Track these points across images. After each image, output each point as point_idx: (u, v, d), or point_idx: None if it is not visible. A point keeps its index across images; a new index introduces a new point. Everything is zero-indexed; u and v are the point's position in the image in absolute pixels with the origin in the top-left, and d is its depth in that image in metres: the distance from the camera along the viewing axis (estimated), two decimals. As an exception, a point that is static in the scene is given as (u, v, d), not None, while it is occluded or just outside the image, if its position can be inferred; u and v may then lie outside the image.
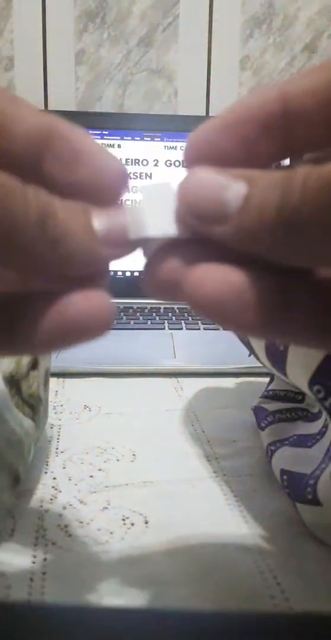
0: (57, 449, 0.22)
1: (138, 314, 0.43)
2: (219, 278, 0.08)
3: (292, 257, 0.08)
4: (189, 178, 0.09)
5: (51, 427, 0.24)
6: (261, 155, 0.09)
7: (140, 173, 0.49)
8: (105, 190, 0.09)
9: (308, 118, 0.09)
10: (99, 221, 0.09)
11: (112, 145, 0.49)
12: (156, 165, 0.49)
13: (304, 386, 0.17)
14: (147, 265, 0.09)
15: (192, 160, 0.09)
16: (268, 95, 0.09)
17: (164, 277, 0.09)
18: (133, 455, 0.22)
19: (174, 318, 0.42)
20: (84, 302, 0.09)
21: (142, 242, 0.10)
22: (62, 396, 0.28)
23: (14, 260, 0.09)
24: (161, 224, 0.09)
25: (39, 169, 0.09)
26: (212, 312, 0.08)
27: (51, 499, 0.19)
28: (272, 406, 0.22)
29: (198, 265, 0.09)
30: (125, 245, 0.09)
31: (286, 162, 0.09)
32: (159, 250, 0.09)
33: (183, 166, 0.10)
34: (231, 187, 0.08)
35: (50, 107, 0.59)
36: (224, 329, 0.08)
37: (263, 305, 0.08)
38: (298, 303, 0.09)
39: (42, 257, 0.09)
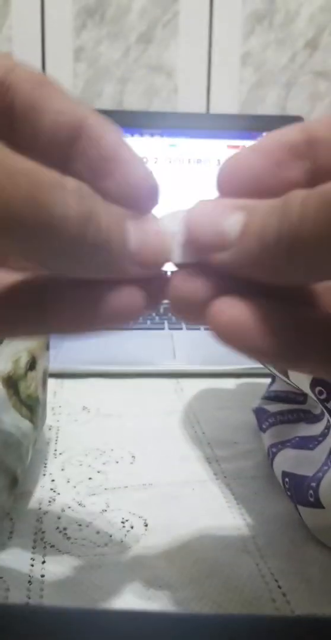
0: (55, 450, 0.22)
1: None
2: (233, 308, 0.09)
3: (296, 276, 0.08)
4: (192, 209, 0.09)
5: (50, 429, 0.24)
6: (290, 182, 0.09)
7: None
8: (133, 204, 0.09)
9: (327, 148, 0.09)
10: (136, 235, 0.09)
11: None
12: (156, 162, 0.48)
13: (306, 387, 0.16)
14: (170, 288, 0.10)
15: (224, 186, 0.10)
16: (294, 128, 0.10)
17: (185, 303, 0.09)
18: (132, 457, 0.22)
19: (174, 318, 0.42)
20: (122, 299, 0.09)
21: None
22: (60, 397, 0.28)
23: (46, 261, 0.08)
24: (180, 251, 0.09)
25: (66, 165, 0.09)
26: (230, 340, 0.09)
27: (50, 501, 0.18)
28: (273, 407, 0.22)
29: (217, 296, 0.09)
30: (155, 264, 0.09)
31: None
32: (180, 272, 0.09)
33: (217, 191, 0.10)
34: (231, 216, 0.09)
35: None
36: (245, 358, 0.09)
37: (280, 334, 0.09)
38: (312, 332, 0.09)
39: (77, 260, 0.08)
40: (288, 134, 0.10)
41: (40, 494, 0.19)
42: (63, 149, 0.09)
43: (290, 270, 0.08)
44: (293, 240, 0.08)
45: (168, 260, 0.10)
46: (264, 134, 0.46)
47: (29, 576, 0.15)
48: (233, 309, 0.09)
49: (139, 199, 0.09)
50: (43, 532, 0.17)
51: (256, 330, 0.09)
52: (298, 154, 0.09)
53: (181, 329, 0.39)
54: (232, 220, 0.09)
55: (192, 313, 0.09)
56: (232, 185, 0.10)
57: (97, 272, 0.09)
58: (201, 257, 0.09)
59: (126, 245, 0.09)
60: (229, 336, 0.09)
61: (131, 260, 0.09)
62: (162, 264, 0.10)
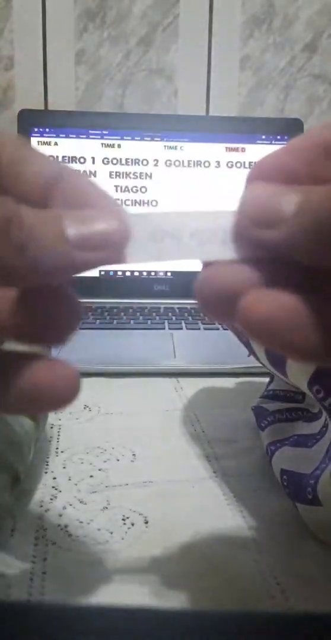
0: (57, 449, 0.22)
1: (138, 314, 0.43)
2: (272, 300, 0.09)
3: None
4: (249, 189, 0.10)
5: (51, 427, 0.24)
6: (326, 179, 0.10)
7: (140, 173, 0.49)
8: (103, 233, 0.10)
9: None
10: (73, 228, 0.09)
11: (112, 145, 0.49)
12: (156, 165, 0.49)
13: (304, 386, 0.17)
14: (200, 284, 0.10)
15: (257, 177, 0.10)
16: (329, 127, 0.10)
17: (216, 297, 0.09)
18: (133, 455, 0.22)
19: (174, 318, 0.42)
20: (48, 371, 0.10)
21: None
22: (62, 396, 0.28)
23: None
24: (216, 247, 0.10)
25: (45, 204, 0.10)
26: (266, 334, 0.09)
27: (51, 499, 0.19)
28: (272, 406, 0.22)
29: (250, 289, 0.09)
30: (101, 250, 0.09)
31: None
32: (211, 269, 0.09)
33: (246, 183, 0.10)
34: (288, 194, 0.09)
35: (50, 107, 0.59)
36: (277, 352, 0.09)
37: (315, 325, 0.09)
38: None
39: (7, 262, 0.09)
40: (323, 133, 0.10)
41: (42, 492, 0.19)
42: (42, 192, 0.10)
43: None
44: None
45: (116, 242, 0.10)
46: (263, 136, 0.46)
47: (31, 573, 0.15)
48: (272, 301, 0.09)
49: (108, 228, 0.10)
50: (44, 530, 0.17)
51: (298, 325, 0.08)
52: None
53: (181, 328, 0.39)
54: (289, 197, 0.09)
55: (223, 308, 0.09)
56: (264, 180, 0.10)
57: (33, 274, 0.09)
58: (249, 244, 0.09)
59: (62, 236, 0.09)
60: (266, 331, 0.08)
61: (74, 248, 0.09)
62: (111, 244, 0.09)
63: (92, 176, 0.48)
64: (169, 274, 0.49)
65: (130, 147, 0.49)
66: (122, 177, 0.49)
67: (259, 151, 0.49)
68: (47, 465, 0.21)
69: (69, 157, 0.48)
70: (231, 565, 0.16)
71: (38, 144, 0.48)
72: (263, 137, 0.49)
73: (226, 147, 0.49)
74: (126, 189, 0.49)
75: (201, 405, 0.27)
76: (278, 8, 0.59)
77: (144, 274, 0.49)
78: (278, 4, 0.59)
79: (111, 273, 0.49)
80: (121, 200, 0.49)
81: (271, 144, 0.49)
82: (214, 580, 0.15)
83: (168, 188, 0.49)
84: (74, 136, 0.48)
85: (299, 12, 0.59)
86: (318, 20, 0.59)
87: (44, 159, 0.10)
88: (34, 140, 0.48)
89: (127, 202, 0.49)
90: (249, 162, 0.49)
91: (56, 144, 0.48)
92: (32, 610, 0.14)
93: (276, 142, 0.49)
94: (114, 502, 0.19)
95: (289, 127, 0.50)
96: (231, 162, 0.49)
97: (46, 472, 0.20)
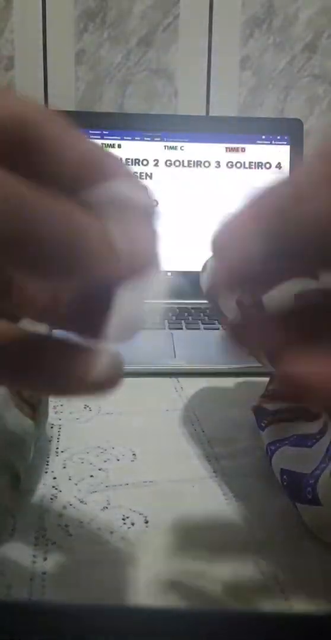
0: (57, 448, 0.22)
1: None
2: (320, 367, 0.09)
3: None
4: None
5: (51, 427, 0.24)
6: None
7: (140, 173, 0.49)
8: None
9: None
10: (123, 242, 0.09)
11: (112, 145, 0.49)
12: (156, 165, 0.49)
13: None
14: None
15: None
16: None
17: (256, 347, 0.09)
18: (133, 454, 0.22)
19: (174, 317, 0.42)
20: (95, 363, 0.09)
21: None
22: (62, 396, 0.28)
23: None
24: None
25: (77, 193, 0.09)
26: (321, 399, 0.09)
27: (51, 499, 0.19)
28: (272, 406, 0.22)
29: (296, 357, 0.09)
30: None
31: None
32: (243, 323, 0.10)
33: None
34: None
35: (50, 107, 0.59)
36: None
37: None
38: None
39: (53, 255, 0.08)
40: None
41: (42, 492, 0.19)
42: (79, 181, 0.09)
43: None
44: None
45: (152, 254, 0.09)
46: (263, 136, 0.46)
47: (31, 573, 0.15)
48: (314, 364, 0.09)
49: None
50: (45, 529, 0.17)
51: None
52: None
53: (181, 328, 0.39)
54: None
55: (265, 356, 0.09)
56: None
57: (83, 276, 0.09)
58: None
59: (109, 245, 0.09)
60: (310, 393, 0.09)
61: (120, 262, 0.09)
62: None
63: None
64: (169, 274, 0.49)
65: (130, 147, 0.49)
66: (123, 177, 0.48)
67: (259, 151, 0.49)
68: (47, 465, 0.21)
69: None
70: (231, 565, 0.16)
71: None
72: (263, 137, 0.49)
73: (226, 147, 0.49)
74: (126, 189, 0.48)
75: (201, 405, 0.27)
76: (278, 8, 0.59)
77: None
78: (278, 4, 0.59)
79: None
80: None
81: (271, 144, 0.49)
82: (214, 580, 0.15)
83: (168, 188, 0.49)
84: (74, 136, 0.48)
85: (299, 12, 0.59)
86: (318, 20, 0.59)
87: (88, 144, 0.09)
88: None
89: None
90: (250, 162, 0.49)
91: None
92: (32, 610, 0.14)
93: (276, 143, 0.49)
94: (114, 501, 0.19)
95: (289, 127, 0.50)
96: (231, 162, 0.49)
97: (46, 472, 0.20)
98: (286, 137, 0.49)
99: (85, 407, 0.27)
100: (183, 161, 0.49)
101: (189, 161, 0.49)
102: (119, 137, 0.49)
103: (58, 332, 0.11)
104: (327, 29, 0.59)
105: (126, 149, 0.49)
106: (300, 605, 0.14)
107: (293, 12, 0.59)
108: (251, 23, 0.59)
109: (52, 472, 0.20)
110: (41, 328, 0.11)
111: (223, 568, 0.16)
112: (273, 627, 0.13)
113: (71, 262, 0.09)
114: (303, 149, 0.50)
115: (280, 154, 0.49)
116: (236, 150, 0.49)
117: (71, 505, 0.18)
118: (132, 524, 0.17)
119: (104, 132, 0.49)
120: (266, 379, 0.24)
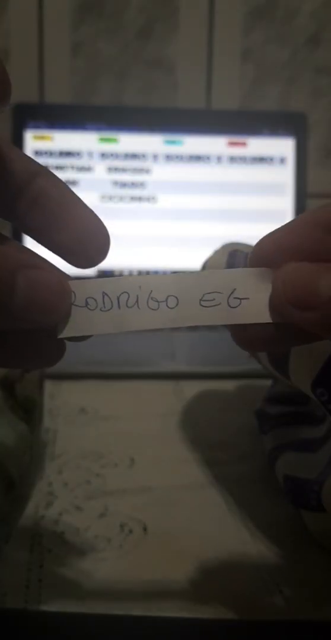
0: (53, 453, 0.22)
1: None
2: None
3: None
4: (285, 268, 0.10)
5: (47, 432, 0.24)
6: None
7: (139, 168, 0.48)
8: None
9: None
10: (25, 277, 0.09)
11: (110, 140, 0.48)
12: (155, 160, 0.48)
13: (307, 389, 0.16)
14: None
15: (259, 257, 0.10)
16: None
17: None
18: (131, 460, 0.22)
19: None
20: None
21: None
22: (58, 399, 0.28)
23: None
24: (257, 310, 0.10)
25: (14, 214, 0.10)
26: None
27: (47, 505, 0.18)
28: (275, 409, 0.22)
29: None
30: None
31: None
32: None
33: (249, 263, 0.10)
34: (325, 274, 0.09)
35: (47, 99, 0.58)
36: None
37: None
38: None
39: None
40: (319, 213, 0.10)
41: (38, 498, 0.19)
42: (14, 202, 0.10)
43: None
44: None
45: (58, 318, 0.09)
46: (265, 130, 0.45)
47: (27, 580, 0.15)
48: None
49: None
50: (40, 536, 0.17)
51: None
52: None
53: (181, 329, 0.39)
54: (326, 279, 0.09)
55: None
56: (267, 260, 0.10)
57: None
58: (286, 318, 0.09)
59: (13, 296, 0.09)
60: None
61: (17, 312, 0.09)
62: (51, 321, 0.09)
63: (89, 171, 0.47)
64: (168, 273, 0.48)
65: (128, 141, 0.48)
66: (120, 172, 0.48)
67: (261, 145, 0.48)
68: (42, 470, 0.21)
69: (65, 152, 0.47)
70: (232, 572, 0.15)
71: (33, 138, 0.47)
72: (266, 131, 0.48)
73: (228, 141, 0.48)
74: (124, 185, 0.48)
75: (201, 409, 0.27)
76: (280, 0, 0.57)
77: (144, 273, 0.48)
78: (280, -5, 0.57)
79: (110, 272, 0.48)
80: (119, 196, 0.48)
81: (274, 138, 0.48)
82: (214, 587, 0.15)
83: (168, 183, 0.48)
84: (70, 130, 0.47)
85: (302, 4, 0.57)
86: (322, 12, 0.58)
87: (25, 156, 0.10)
88: (29, 135, 0.47)
89: (125, 199, 0.48)
90: (252, 157, 0.48)
91: (51, 138, 0.47)
92: (27, 618, 0.13)
93: (279, 136, 0.48)
94: (112, 508, 0.18)
95: (292, 121, 0.49)
96: (233, 156, 0.48)
97: (42, 478, 0.20)
98: (289, 131, 0.48)
99: (81, 411, 0.26)
100: (182, 156, 0.48)
101: (189, 156, 0.48)
102: (117, 131, 0.48)
103: None
104: None
105: (124, 143, 0.48)
106: (302, 613, 0.14)
107: (296, 4, 0.57)
108: (253, 14, 0.58)
109: (48, 477, 0.20)
110: None
111: (224, 575, 0.15)
112: (275, 634, 0.13)
113: None
114: (307, 143, 0.50)
115: (283, 148, 0.48)
116: (237, 144, 0.48)
117: (67, 511, 0.18)
118: (130, 532, 0.17)
119: (102, 126, 0.48)
120: (268, 382, 0.24)
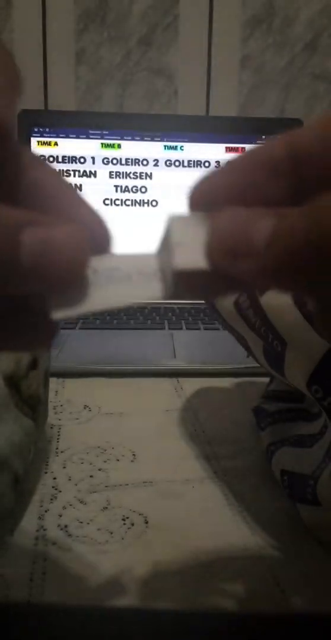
0: (57, 449, 0.22)
1: (138, 314, 0.43)
2: None
3: (322, 288, 0.08)
4: (218, 216, 0.09)
5: (51, 427, 0.24)
6: (272, 199, 0.09)
7: (140, 173, 0.49)
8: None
9: (315, 162, 0.09)
10: (30, 236, 0.08)
11: (112, 146, 0.49)
12: (156, 165, 0.49)
13: (302, 387, 0.17)
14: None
15: (197, 203, 0.09)
16: (274, 143, 0.09)
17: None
18: (133, 455, 0.22)
19: (174, 318, 0.42)
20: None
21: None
22: (62, 396, 0.28)
23: None
24: (191, 256, 0.09)
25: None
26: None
27: (51, 499, 0.19)
28: (272, 406, 0.22)
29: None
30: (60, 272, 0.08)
31: None
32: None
33: (188, 207, 0.09)
34: (260, 221, 0.08)
35: (50, 107, 0.59)
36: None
37: None
38: None
39: None
40: (268, 151, 0.09)
41: (42, 492, 0.19)
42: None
43: (318, 278, 0.08)
44: (323, 243, 0.07)
45: (79, 273, 0.08)
46: (263, 136, 0.46)
47: (31, 573, 0.15)
48: None
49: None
50: (45, 530, 0.17)
51: None
52: (279, 172, 0.09)
53: (181, 328, 0.39)
54: (261, 224, 0.08)
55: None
56: (204, 205, 0.09)
57: None
58: (222, 266, 0.09)
59: (18, 255, 0.08)
60: None
61: (24, 273, 0.08)
62: (72, 278, 0.08)
63: (92, 176, 0.48)
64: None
65: (130, 147, 0.49)
66: (122, 177, 0.48)
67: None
68: (47, 465, 0.21)
69: (69, 157, 0.48)
70: (231, 566, 0.16)
71: (38, 144, 0.48)
72: (264, 137, 0.49)
73: (227, 147, 0.49)
74: (126, 189, 0.49)
75: (201, 406, 0.27)
76: (278, 8, 0.58)
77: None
78: (278, 4, 0.59)
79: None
80: (121, 200, 0.48)
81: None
82: (214, 580, 0.15)
83: (168, 188, 0.48)
84: (74, 136, 0.48)
85: (299, 12, 0.59)
86: (319, 19, 0.59)
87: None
88: (33, 141, 0.48)
89: (127, 202, 0.48)
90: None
91: (56, 144, 0.48)
92: (31, 611, 0.14)
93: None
94: (114, 502, 0.19)
95: (289, 127, 0.49)
96: (232, 162, 0.49)
97: (46, 472, 0.20)
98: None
99: (85, 407, 0.27)
100: (182, 161, 0.49)
101: (189, 161, 0.49)
102: (118, 137, 0.49)
103: None
104: (327, 28, 0.59)
105: (126, 149, 0.49)
106: (300, 606, 0.14)
107: (293, 12, 0.58)
108: (251, 22, 0.59)
109: (52, 472, 0.20)
110: None
111: (223, 569, 0.15)
112: (274, 628, 0.13)
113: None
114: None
115: (280, 153, 0.49)
116: (236, 150, 0.49)
117: (70, 505, 0.18)
118: (132, 525, 0.17)
119: (104, 132, 0.49)
120: (266, 380, 0.24)
